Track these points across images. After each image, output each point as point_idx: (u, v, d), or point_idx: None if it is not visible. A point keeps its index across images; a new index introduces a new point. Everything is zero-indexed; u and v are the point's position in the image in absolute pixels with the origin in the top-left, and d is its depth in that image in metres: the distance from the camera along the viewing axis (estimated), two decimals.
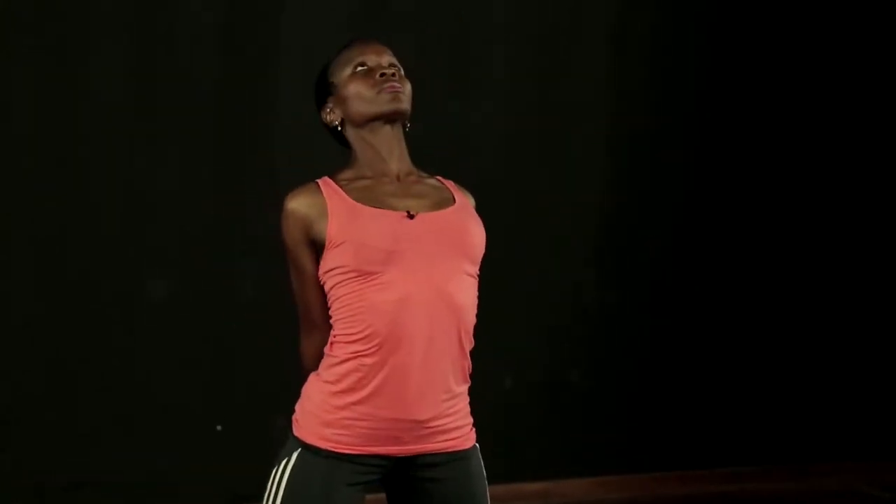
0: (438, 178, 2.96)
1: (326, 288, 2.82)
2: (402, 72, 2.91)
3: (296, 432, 2.89)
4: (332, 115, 2.92)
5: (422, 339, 2.76)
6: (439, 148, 5.11)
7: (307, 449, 2.85)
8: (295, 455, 2.86)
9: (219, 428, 5.35)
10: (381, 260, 2.75)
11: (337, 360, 2.83)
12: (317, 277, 2.83)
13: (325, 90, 2.94)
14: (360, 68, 2.89)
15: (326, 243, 2.78)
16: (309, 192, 2.82)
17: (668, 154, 6.02)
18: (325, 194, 2.81)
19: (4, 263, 5.09)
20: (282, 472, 2.86)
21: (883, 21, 6.31)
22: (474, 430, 2.94)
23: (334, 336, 2.85)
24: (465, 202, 2.91)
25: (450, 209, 2.86)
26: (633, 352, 5.99)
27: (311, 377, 2.92)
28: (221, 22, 5.32)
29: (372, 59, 2.90)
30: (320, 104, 2.95)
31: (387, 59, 2.91)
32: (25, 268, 5.11)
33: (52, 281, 5.14)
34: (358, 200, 2.81)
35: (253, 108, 5.36)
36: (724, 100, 6.10)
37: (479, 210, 2.92)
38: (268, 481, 2.86)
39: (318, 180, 2.84)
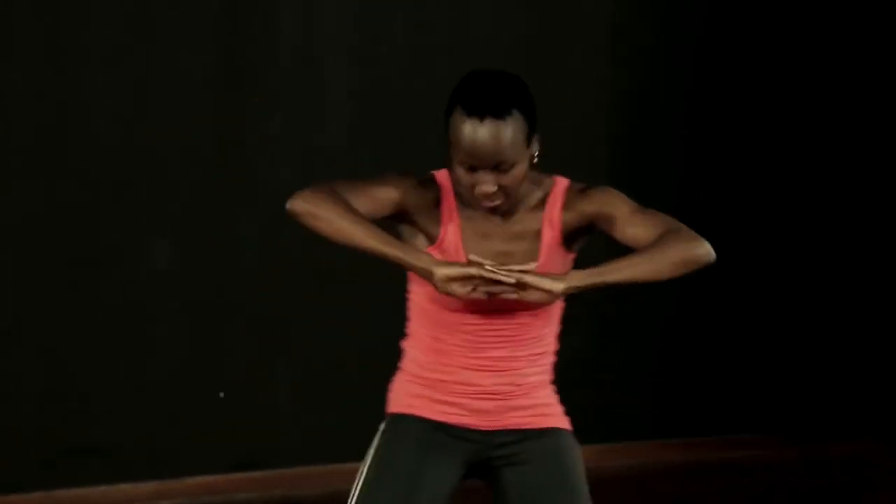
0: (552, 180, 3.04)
1: (411, 292, 3.03)
2: (511, 162, 2.84)
3: (386, 411, 3.08)
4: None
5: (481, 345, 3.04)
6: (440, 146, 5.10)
7: (395, 417, 3.03)
8: (383, 425, 3.04)
9: (221, 395, 5.34)
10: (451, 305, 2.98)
11: (413, 350, 3.07)
12: (377, 209, 2.92)
13: (447, 119, 2.89)
14: (465, 164, 2.85)
15: (425, 241, 2.95)
16: (429, 191, 2.97)
17: (674, 80, 6.00)
18: (440, 209, 2.96)
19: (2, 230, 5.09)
20: (373, 444, 3.02)
21: (883, 21, 6.27)
22: (564, 417, 3.12)
23: (410, 331, 3.08)
24: (552, 243, 3.07)
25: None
26: (637, 319, 5.97)
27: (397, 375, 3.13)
28: None
29: (477, 166, 2.85)
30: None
31: (491, 180, 2.85)
32: (22, 237, 5.12)
33: (52, 242, 5.14)
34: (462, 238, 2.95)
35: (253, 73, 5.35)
36: (726, 81, 6.08)
37: None
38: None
39: (440, 189, 2.96)
